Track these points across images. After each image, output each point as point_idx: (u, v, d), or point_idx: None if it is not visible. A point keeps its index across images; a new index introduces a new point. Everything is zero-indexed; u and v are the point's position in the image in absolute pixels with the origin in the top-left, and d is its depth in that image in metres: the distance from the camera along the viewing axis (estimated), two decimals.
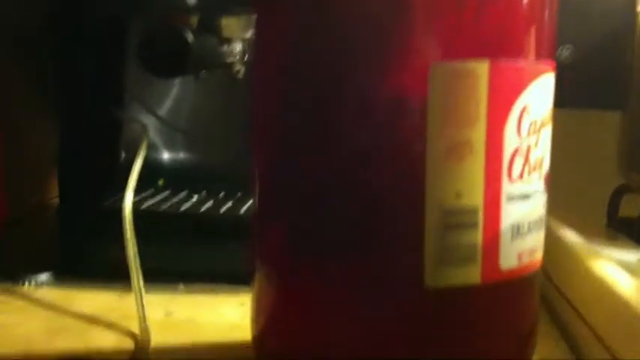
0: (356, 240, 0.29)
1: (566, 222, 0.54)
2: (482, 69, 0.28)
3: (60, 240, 0.51)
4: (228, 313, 0.45)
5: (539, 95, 0.30)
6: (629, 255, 0.44)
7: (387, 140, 0.28)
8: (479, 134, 0.28)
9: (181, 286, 0.49)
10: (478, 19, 0.28)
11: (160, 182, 0.59)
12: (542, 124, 0.31)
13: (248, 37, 0.52)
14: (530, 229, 0.30)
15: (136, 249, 0.44)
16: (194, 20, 0.50)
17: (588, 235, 0.50)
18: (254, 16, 0.38)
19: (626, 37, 0.59)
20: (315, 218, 0.30)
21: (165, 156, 0.61)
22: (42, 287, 0.48)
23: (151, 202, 0.53)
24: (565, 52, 0.64)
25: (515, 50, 0.29)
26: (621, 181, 0.58)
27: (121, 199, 0.46)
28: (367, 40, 0.28)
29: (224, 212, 0.51)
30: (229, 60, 0.52)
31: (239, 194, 0.57)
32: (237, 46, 0.52)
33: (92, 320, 0.43)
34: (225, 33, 0.51)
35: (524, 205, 0.30)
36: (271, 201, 0.32)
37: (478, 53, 0.28)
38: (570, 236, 0.46)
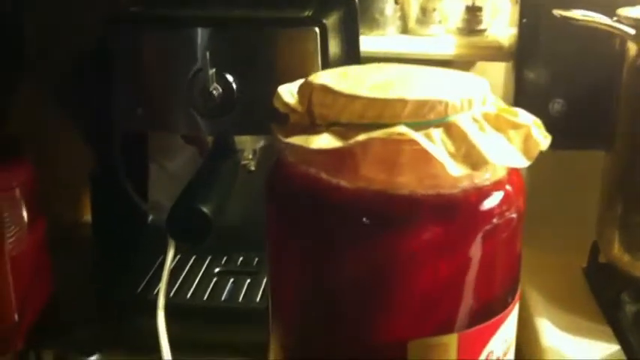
0: None
1: (545, 264, 0.62)
2: (452, 340, 0.35)
3: (102, 323, 0.60)
4: None
5: (503, 337, 0.37)
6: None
7: None
8: None
9: None
10: (443, 306, 0.34)
11: None
12: (505, 354, 0.37)
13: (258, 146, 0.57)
14: None
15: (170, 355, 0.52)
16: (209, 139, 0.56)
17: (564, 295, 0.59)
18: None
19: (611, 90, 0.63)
20: None
21: None
22: None
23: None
24: (556, 106, 0.69)
25: (481, 316, 0.36)
26: None
27: (150, 283, 0.56)
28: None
29: (242, 301, 0.59)
30: (243, 162, 0.58)
31: (256, 259, 0.64)
32: (250, 152, 0.58)
33: None
34: (239, 146, 0.56)
35: None
36: None
37: (448, 327, 0.35)
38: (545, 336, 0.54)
